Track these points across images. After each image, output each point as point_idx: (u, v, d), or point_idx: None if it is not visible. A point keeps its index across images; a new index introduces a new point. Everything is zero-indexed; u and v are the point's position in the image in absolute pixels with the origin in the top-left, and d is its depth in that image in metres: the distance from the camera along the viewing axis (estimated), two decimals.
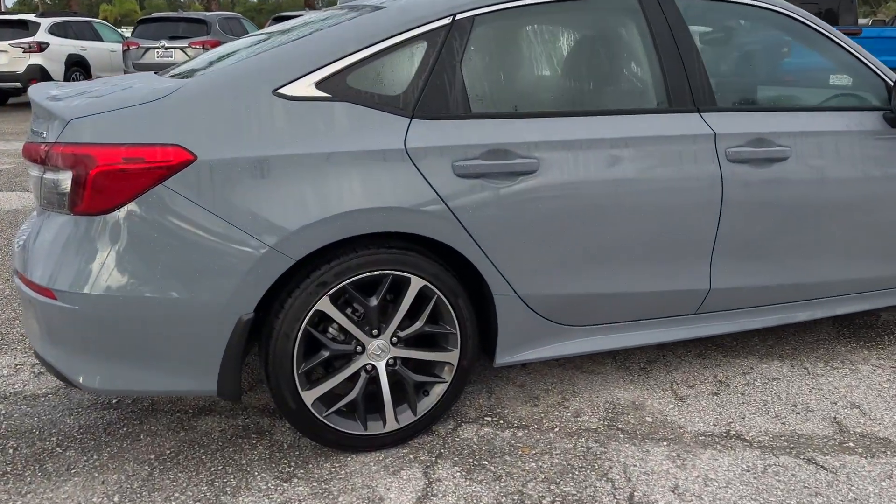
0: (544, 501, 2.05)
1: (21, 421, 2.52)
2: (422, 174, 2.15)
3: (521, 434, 2.40)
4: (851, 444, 2.34)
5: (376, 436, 2.28)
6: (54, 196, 2.02)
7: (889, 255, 2.86)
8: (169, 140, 1.98)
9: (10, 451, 2.33)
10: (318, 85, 2.15)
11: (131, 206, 1.97)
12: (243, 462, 2.26)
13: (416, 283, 2.20)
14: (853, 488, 2.11)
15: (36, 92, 2.36)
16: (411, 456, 2.28)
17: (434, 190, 2.16)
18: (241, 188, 2.01)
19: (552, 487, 2.12)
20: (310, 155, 2.07)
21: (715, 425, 2.46)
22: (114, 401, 2.66)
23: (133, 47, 12.65)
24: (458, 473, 2.19)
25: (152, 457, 2.30)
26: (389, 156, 2.13)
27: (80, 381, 2.05)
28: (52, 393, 2.71)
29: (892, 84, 2.78)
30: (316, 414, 2.19)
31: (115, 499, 2.09)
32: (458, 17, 2.30)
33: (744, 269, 2.63)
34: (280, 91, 2.11)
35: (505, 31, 2.39)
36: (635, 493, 2.09)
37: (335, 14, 2.53)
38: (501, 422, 2.48)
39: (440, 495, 2.08)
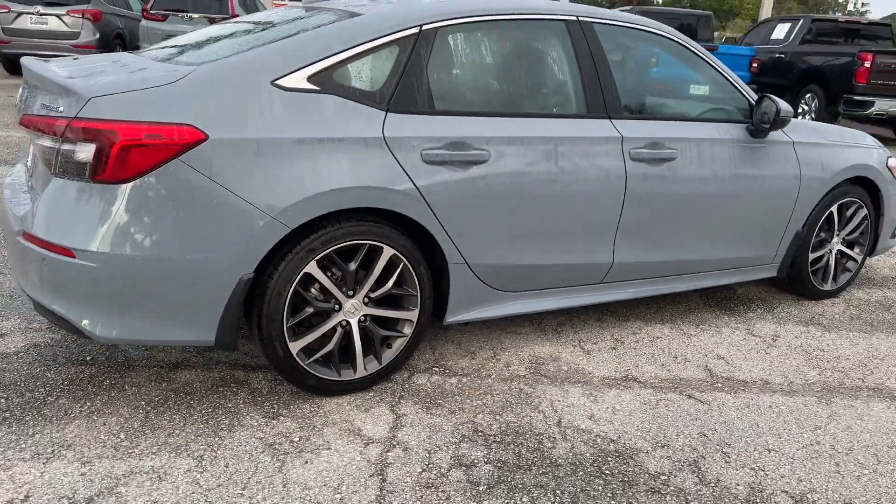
0: (492, 427, 2.54)
1: (1, 376, 2.68)
2: (396, 159, 2.56)
3: (464, 380, 2.88)
4: (719, 385, 3.00)
5: (348, 381, 2.67)
6: (72, 165, 2.25)
7: (745, 239, 3.58)
8: (184, 120, 2.27)
9: (2, 400, 2.52)
10: (310, 79, 2.50)
11: (149, 177, 2.24)
12: (230, 406, 2.59)
13: (387, 252, 2.61)
14: (722, 415, 2.76)
15: (40, 67, 2.54)
16: (378, 398, 2.70)
17: (406, 173, 2.58)
18: (247, 165, 2.33)
19: (497, 418, 2.61)
20: (304, 139, 2.42)
21: (616, 372, 3.05)
22: (88, 357, 2.87)
23: (3, 11, 11.87)
24: (420, 410, 2.63)
25: (143, 402, 2.57)
26: (370, 143, 2.52)
27: (97, 332, 2.30)
28: (23, 351, 2.87)
29: (753, 102, 3.49)
30: (300, 362, 2.55)
31: (122, 436, 2.36)
32: (423, 27, 2.73)
33: (639, 247, 3.24)
34: (277, 82, 2.45)
35: (462, 41, 2.84)
36: (562, 420, 2.62)
37: (317, 15, 2.86)
38: (447, 371, 2.95)
39: (408, 426, 2.52)
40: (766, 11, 16.34)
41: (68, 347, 2.93)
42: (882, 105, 10.70)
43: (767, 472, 2.39)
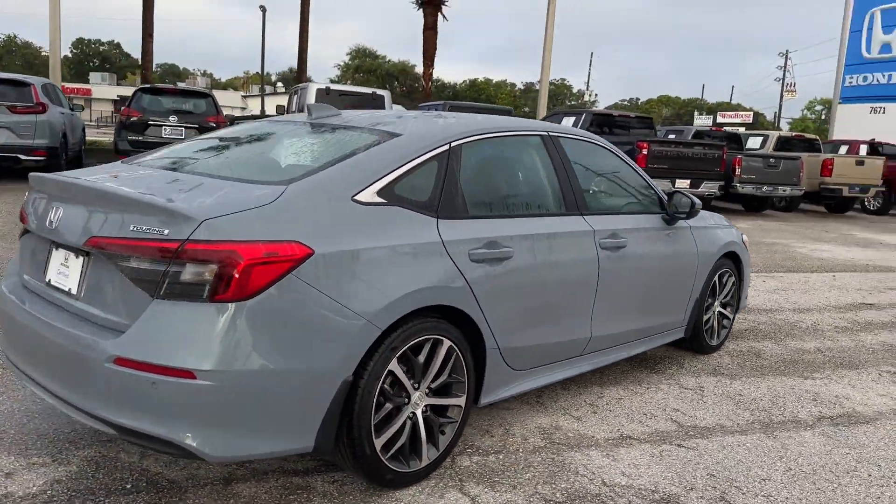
0: (557, 496, 2.85)
1: None
2: (452, 260, 2.86)
3: (501, 457, 3.15)
4: (692, 433, 3.58)
5: (416, 472, 2.83)
6: (185, 287, 2.26)
7: (669, 307, 4.30)
8: (291, 237, 2.40)
9: None
10: (378, 193, 2.74)
11: (266, 293, 2.32)
12: None
13: (446, 344, 2.86)
14: (711, 457, 3.31)
15: (91, 183, 2.52)
16: (441, 484, 2.88)
17: (460, 272, 2.88)
18: (343, 274, 2.50)
19: (553, 487, 2.92)
20: (384, 247, 2.64)
21: (611, 433, 3.50)
22: (127, 485, 2.70)
23: None
24: (486, 489, 2.86)
25: None
26: (433, 247, 2.80)
27: (208, 451, 2.27)
28: (49, 489, 2.63)
29: (666, 198, 4.27)
30: (382, 458, 2.68)
31: None
32: (452, 144, 3.09)
33: (605, 320, 3.78)
34: (356, 197, 2.66)
35: (478, 155, 3.24)
36: (604, 480, 3.00)
37: (355, 133, 3.10)
38: (480, 451, 3.20)
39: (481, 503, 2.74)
40: (543, 105, 18.47)
41: (97, 478, 2.73)
42: (659, 186, 12.76)
43: (776, 498, 2.97)
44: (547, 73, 17.82)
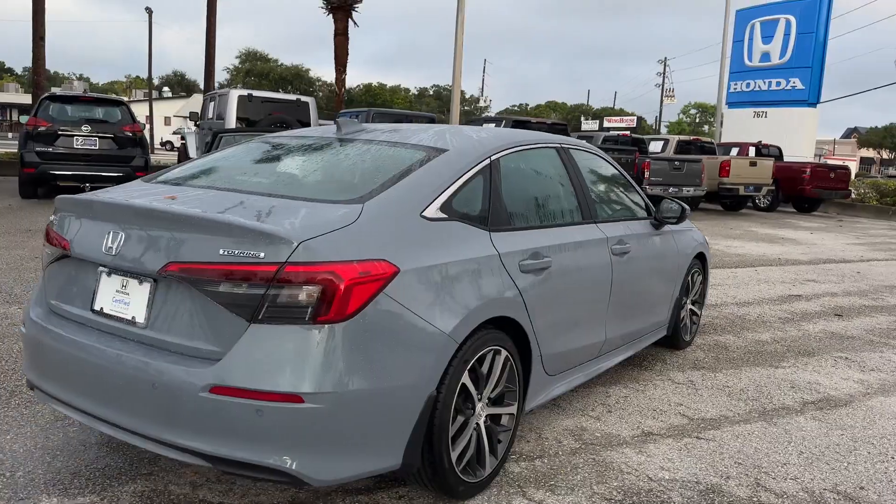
0: (614, 494, 2.97)
1: None
2: (507, 272, 2.93)
3: (545, 461, 3.24)
4: (703, 425, 3.80)
5: (480, 481, 2.87)
6: (286, 310, 2.21)
7: (660, 307, 4.54)
8: (379, 256, 2.39)
9: None
10: (440, 209, 2.77)
11: (363, 312, 2.31)
12: None
13: (503, 354, 2.93)
14: (730, 446, 3.53)
15: (170, 207, 2.43)
16: (503, 491, 2.93)
17: (514, 283, 2.95)
18: (424, 290, 2.52)
19: (608, 486, 3.04)
20: (455, 262, 2.68)
21: (633, 430, 3.67)
22: None
23: None
24: (548, 493, 2.94)
25: None
26: (491, 260, 2.86)
27: (312, 475, 2.23)
28: None
29: (650, 203, 4.51)
30: (456, 469, 2.71)
31: None
32: (492, 157, 3.16)
33: (617, 323, 3.96)
34: (423, 214, 2.68)
35: (513, 168, 3.31)
36: (649, 476, 3.15)
37: (399, 148, 3.09)
38: (523, 456, 3.27)
39: None
40: (455, 116, 18.68)
41: None
42: None
43: (802, 479, 3.22)
44: (459, 79, 18.06)
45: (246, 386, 2.19)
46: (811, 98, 23.79)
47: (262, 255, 2.24)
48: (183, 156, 15.49)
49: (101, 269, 2.59)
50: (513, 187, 3.28)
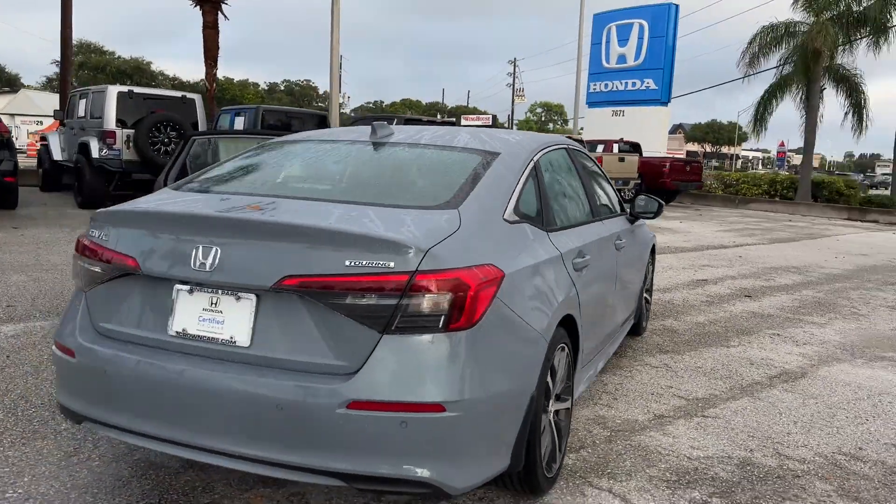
0: (667, 474, 3.14)
1: None
2: (567, 271, 3.01)
3: (589, 451, 3.36)
4: (700, 405, 4.09)
5: (553, 476, 2.94)
6: (418, 319, 2.16)
7: (633, 299, 4.82)
8: (486, 261, 2.39)
9: None
10: (514, 212, 2.80)
11: (485, 317, 2.30)
12: None
13: (565, 351, 3.01)
14: (736, 421, 3.83)
15: (288, 217, 2.30)
16: (572, 483, 3.02)
17: (572, 281, 3.04)
18: (521, 293, 2.55)
19: (654, 467, 3.20)
20: (537, 263, 2.72)
21: (647, 414, 3.88)
22: None
23: None
24: (612, 482, 3.05)
25: None
26: (556, 260, 2.93)
27: (452, 483, 2.20)
28: None
29: (627, 201, 4.77)
30: (542, 466, 2.76)
31: None
32: (535, 159, 3.22)
33: (616, 314, 4.16)
34: (504, 217, 2.70)
35: (548, 169, 3.39)
36: (686, 454, 3.36)
37: (455, 152, 3.06)
38: (570, 448, 3.37)
39: (634, 492, 2.95)
40: (335, 111, 18.50)
41: None
42: None
43: (811, 445, 3.56)
44: (336, 76, 17.82)
45: (388, 399, 2.12)
46: (664, 97, 25.73)
47: (391, 264, 2.17)
48: (45, 158, 14.07)
49: (178, 286, 2.38)
50: (550, 188, 3.36)
